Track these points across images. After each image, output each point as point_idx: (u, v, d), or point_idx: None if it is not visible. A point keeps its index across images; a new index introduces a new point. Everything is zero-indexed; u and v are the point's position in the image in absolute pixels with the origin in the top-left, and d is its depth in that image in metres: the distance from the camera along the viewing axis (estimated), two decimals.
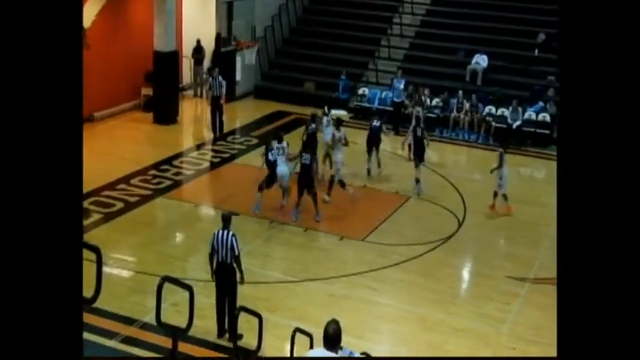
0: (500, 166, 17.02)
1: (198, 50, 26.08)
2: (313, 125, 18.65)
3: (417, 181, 18.27)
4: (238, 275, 11.68)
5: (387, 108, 24.27)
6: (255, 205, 16.64)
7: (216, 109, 22.31)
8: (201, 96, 26.27)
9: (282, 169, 16.72)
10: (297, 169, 16.73)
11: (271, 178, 16.71)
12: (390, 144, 21.44)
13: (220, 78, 22.28)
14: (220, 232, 11.61)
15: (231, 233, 11.57)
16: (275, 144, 16.96)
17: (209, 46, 26.32)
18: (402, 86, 23.98)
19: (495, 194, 17.26)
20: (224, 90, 22.23)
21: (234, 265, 11.60)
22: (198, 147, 21.94)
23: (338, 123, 18.09)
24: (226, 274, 11.64)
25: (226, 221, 11.74)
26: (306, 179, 16.22)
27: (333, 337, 6.61)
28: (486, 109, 23.77)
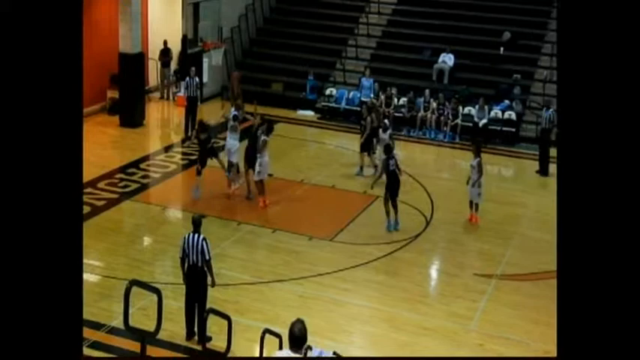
0: (481, 174, 16.63)
1: (165, 52, 25.90)
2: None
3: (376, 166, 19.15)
4: (209, 278, 11.61)
5: (355, 108, 24.31)
6: (194, 189, 17.11)
7: (191, 110, 22.23)
8: (168, 98, 26.18)
9: (231, 142, 17.31)
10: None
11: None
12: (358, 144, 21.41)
13: (197, 79, 22.20)
14: (191, 235, 11.51)
15: (201, 237, 11.48)
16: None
17: (175, 47, 26.19)
18: (369, 85, 24.18)
19: (471, 204, 16.91)
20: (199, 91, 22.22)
21: (205, 268, 11.51)
22: (166, 149, 21.83)
23: (268, 129, 17.52)
24: (197, 278, 11.55)
25: (197, 225, 11.65)
26: (397, 187, 16.24)
27: (298, 337, 6.60)
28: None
